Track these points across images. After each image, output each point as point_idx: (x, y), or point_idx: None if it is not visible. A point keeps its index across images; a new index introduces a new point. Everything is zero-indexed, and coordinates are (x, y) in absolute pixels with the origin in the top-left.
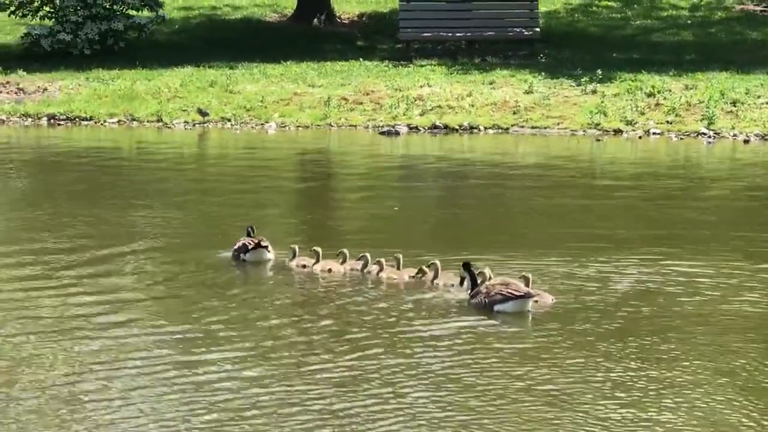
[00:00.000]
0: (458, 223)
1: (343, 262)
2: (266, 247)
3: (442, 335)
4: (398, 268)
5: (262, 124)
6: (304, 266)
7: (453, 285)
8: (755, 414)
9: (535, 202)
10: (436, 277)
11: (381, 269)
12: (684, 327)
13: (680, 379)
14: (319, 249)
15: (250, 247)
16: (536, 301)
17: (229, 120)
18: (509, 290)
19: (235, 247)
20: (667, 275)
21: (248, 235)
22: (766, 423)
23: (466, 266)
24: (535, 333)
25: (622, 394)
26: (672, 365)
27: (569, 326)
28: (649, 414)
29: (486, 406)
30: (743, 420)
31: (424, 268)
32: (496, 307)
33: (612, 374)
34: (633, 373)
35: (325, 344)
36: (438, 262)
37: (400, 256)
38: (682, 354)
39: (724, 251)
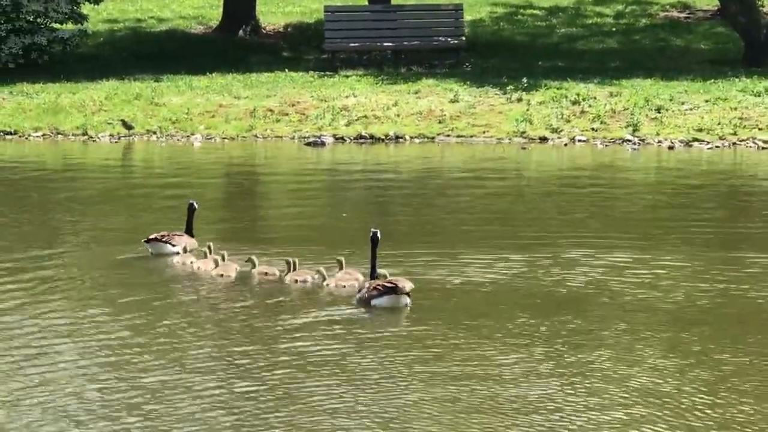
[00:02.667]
0: (391, 226)
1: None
2: (165, 240)
3: (310, 325)
4: (253, 267)
5: (187, 136)
6: (183, 263)
7: (305, 280)
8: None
9: (465, 205)
10: (290, 271)
11: (216, 266)
12: (592, 315)
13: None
14: (205, 249)
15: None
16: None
17: (155, 132)
18: (383, 285)
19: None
20: (580, 269)
21: (190, 210)
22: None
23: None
24: (414, 320)
25: (512, 378)
26: (569, 349)
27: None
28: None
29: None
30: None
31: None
32: (373, 302)
33: (507, 358)
34: (520, 356)
35: (195, 333)
36: (292, 259)
37: (254, 258)
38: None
39: (646, 246)
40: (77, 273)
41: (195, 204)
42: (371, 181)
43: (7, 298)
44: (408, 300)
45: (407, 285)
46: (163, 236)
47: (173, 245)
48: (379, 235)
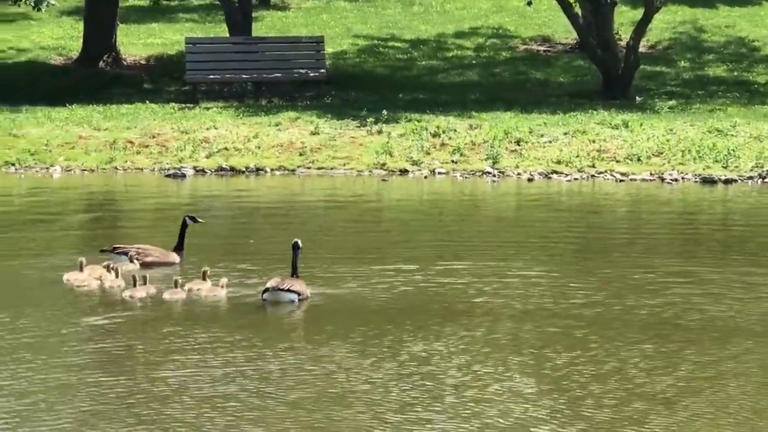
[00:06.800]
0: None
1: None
2: (123, 252)
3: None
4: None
5: (47, 168)
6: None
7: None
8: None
9: (325, 233)
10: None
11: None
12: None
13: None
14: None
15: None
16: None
17: (13, 164)
18: (269, 284)
19: None
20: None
21: (184, 224)
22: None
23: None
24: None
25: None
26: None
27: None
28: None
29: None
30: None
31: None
32: (264, 296)
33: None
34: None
35: None
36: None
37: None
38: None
39: (489, 259)
40: None
41: (188, 219)
42: (233, 210)
43: None
44: (293, 297)
45: (287, 284)
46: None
47: (134, 261)
48: (300, 243)
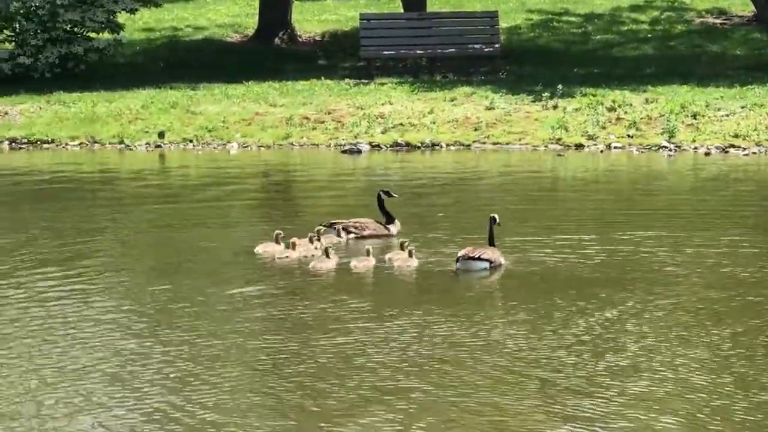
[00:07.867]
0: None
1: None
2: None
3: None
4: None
5: (224, 144)
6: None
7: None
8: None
9: (508, 205)
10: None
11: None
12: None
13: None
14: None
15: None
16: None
17: (191, 141)
18: (461, 253)
19: None
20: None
21: (380, 198)
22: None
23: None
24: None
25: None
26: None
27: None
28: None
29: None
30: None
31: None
32: (456, 266)
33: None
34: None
35: None
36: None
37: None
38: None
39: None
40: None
41: (382, 194)
42: (422, 184)
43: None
44: (485, 265)
45: (478, 252)
46: (333, 223)
47: (341, 235)
48: (497, 218)
